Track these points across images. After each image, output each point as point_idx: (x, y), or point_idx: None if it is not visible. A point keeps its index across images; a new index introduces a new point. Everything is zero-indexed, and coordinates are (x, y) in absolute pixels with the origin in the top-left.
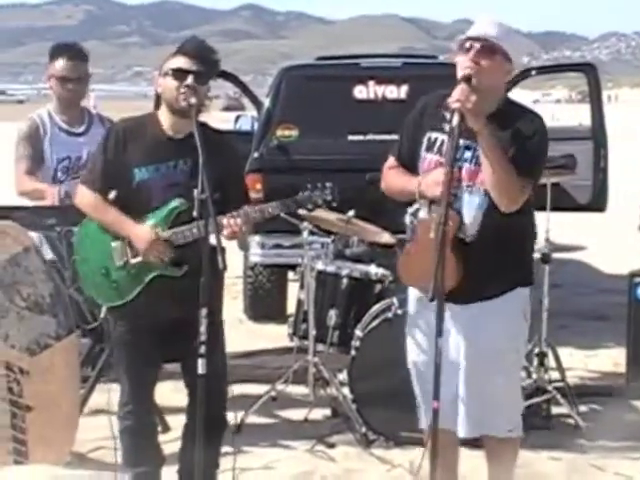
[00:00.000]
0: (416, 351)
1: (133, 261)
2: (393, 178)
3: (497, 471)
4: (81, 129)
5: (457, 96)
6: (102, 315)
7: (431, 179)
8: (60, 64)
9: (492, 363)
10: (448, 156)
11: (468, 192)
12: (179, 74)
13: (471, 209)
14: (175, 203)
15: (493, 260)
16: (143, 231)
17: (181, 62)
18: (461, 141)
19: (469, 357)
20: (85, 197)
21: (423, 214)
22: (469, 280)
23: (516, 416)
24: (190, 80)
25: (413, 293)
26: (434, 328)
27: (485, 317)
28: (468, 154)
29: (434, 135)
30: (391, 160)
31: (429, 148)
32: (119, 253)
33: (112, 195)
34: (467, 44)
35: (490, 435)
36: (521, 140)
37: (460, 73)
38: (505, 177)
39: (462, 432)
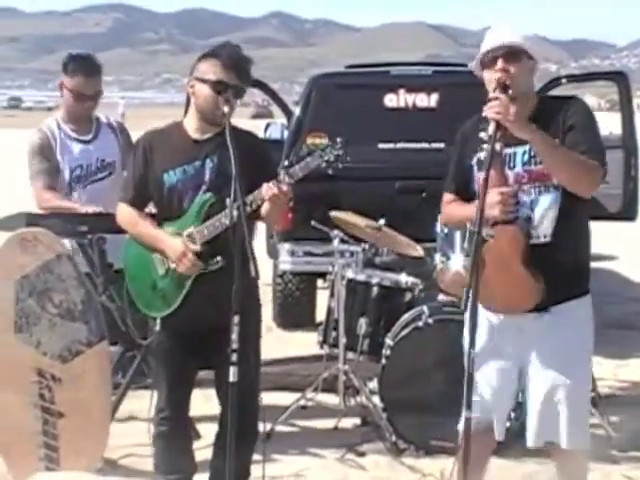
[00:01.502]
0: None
1: (173, 266)
2: (453, 210)
3: None
4: (89, 136)
5: (496, 109)
6: (157, 328)
7: (487, 201)
8: (77, 80)
9: (565, 370)
10: (485, 163)
11: (536, 193)
12: (219, 86)
13: (540, 209)
14: (204, 197)
15: (572, 259)
16: (174, 244)
17: (220, 73)
18: (511, 149)
19: (542, 365)
20: (122, 213)
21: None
22: (548, 283)
23: (584, 426)
24: (229, 94)
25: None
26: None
27: (558, 323)
28: (526, 157)
29: (482, 155)
30: (447, 196)
31: (480, 168)
32: (160, 261)
33: (149, 209)
34: (489, 57)
35: (558, 445)
36: (571, 125)
37: (491, 87)
38: (576, 169)
39: (530, 441)
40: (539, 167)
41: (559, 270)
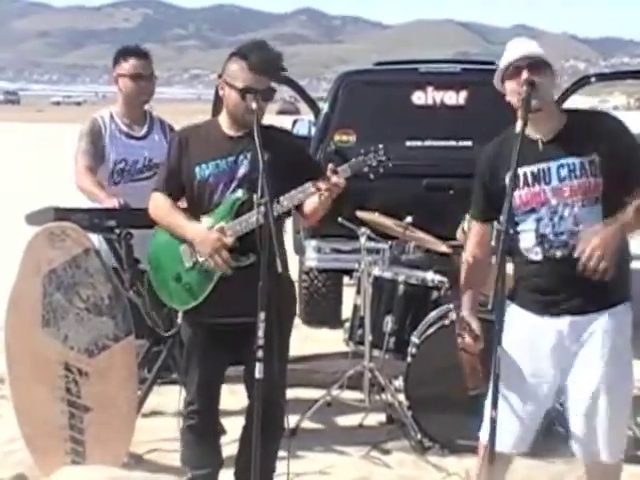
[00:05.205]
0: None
1: (202, 260)
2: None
3: None
4: (141, 133)
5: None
6: (179, 320)
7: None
8: (132, 63)
9: (605, 379)
10: (513, 162)
11: (580, 207)
12: (246, 92)
13: (588, 223)
14: (237, 195)
15: (617, 267)
16: (209, 237)
17: (248, 79)
18: (544, 164)
19: (582, 374)
20: (155, 202)
21: None
22: (592, 291)
23: (622, 439)
24: (258, 97)
25: (515, 309)
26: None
27: (595, 332)
28: (563, 172)
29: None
30: (475, 228)
31: (515, 187)
32: (188, 254)
33: (180, 203)
34: (511, 69)
35: (594, 460)
36: (620, 151)
37: (515, 99)
38: None
39: (578, 454)
40: (583, 180)
41: (605, 279)
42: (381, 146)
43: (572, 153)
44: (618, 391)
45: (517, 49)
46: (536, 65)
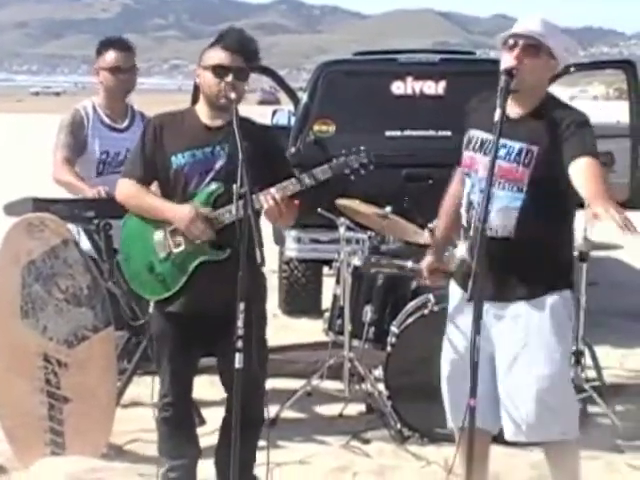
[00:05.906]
0: (452, 349)
1: (176, 251)
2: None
3: (560, 477)
4: (123, 125)
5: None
6: (150, 310)
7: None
8: (112, 55)
9: (531, 363)
10: (492, 151)
11: (499, 189)
12: (220, 70)
13: (499, 205)
14: (212, 187)
15: (540, 257)
16: (183, 210)
17: (222, 57)
18: (500, 139)
19: (508, 357)
20: (125, 187)
21: None
22: (508, 278)
23: (568, 418)
24: (231, 77)
25: (455, 290)
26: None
27: (524, 317)
28: (502, 151)
29: (472, 133)
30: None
31: (466, 146)
32: (161, 245)
33: (153, 188)
34: (511, 41)
35: (544, 440)
36: (566, 128)
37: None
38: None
39: (508, 435)
40: (513, 165)
41: (523, 266)
42: (363, 148)
43: (518, 138)
44: (539, 377)
45: (528, 23)
46: (533, 47)
